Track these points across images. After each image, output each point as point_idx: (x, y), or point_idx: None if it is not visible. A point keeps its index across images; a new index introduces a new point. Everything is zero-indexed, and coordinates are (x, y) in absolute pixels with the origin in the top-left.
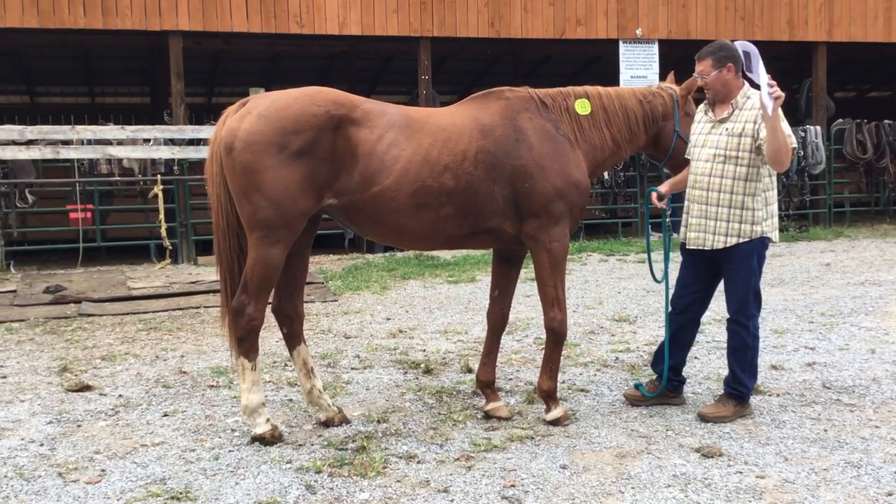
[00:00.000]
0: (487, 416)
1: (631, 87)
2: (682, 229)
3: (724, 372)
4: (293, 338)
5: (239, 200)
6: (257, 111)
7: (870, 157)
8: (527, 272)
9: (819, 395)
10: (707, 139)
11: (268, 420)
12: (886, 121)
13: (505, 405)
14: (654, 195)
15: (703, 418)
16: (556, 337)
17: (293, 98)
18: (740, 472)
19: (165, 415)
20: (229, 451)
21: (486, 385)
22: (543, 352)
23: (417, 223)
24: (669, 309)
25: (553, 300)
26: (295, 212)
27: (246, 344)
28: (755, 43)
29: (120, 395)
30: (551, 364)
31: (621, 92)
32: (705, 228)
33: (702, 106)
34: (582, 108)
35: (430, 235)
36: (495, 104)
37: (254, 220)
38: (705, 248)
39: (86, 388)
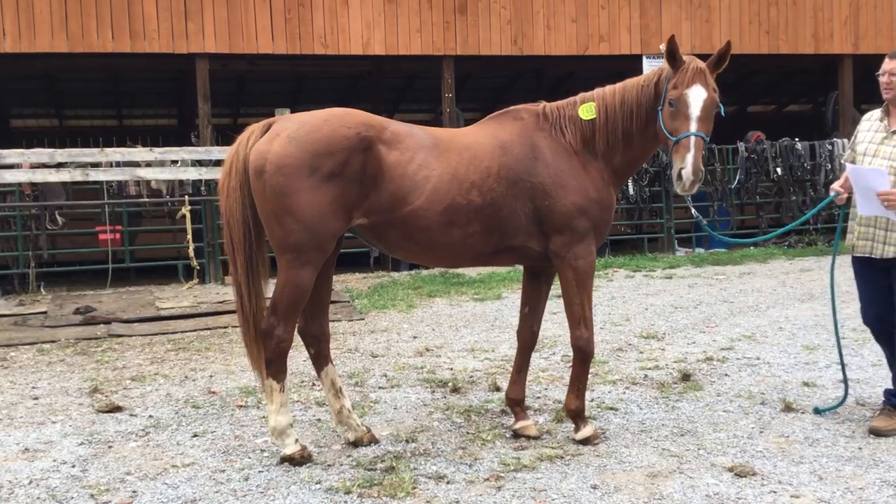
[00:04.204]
0: (516, 434)
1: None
2: (850, 236)
3: (755, 389)
4: (321, 358)
5: (269, 224)
6: (286, 133)
7: None
8: (554, 289)
9: (853, 412)
10: (879, 149)
11: (297, 440)
12: None
13: (534, 424)
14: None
15: (877, 432)
16: (582, 355)
17: (322, 120)
18: (774, 492)
19: (195, 435)
20: (259, 471)
21: (516, 403)
22: (570, 370)
23: (447, 240)
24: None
25: (580, 318)
26: (326, 234)
27: (274, 366)
28: (780, 56)
29: (150, 416)
30: (578, 383)
31: (626, 84)
32: (874, 237)
33: (876, 112)
34: (586, 113)
35: (458, 252)
36: (511, 123)
37: (285, 244)
38: (874, 256)
39: (116, 408)
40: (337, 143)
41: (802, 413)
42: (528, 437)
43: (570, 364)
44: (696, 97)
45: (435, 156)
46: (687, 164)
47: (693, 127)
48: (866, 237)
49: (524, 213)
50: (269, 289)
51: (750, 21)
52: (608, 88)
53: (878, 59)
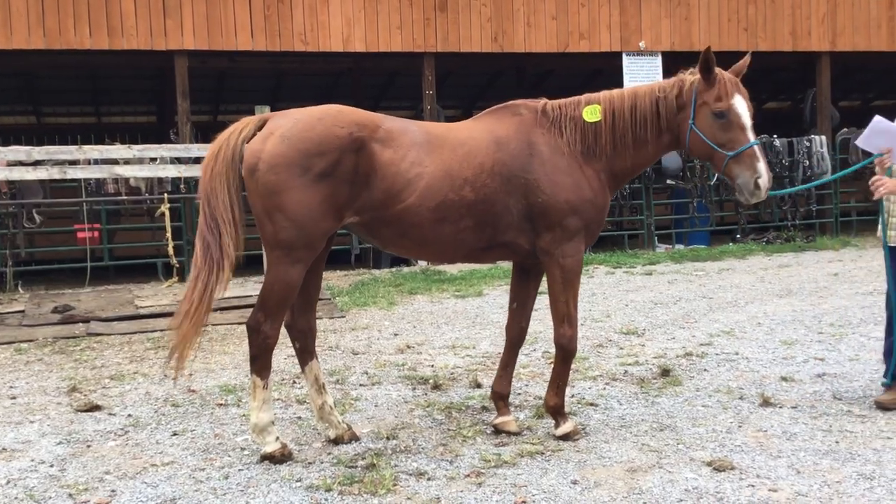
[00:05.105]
0: (497, 430)
1: (658, 81)
2: (891, 233)
3: (734, 384)
4: (306, 353)
5: (261, 221)
6: (279, 132)
7: None
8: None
9: (830, 406)
10: None
11: (277, 438)
12: None
13: (514, 420)
14: None
15: (882, 406)
16: (565, 353)
17: (316, 119)
18: (752, 486)
19: (175, 434)
20: (239, 469)
21: (500, 397)
22: (552, 367)
23: (438, 236)
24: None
25: (564, 316)
26: (317, 232)
27: (259, 362)
28: (758, 54)
29: (129, 415)
30: (559, 380)
31: (638, 91)
32: None
33: None
34: (590, 115)
35: (450, 248)
36: (509, 119)
37: (275, 240)
38: None
39: (95, 407)
40: (329, 142)
41: (780, 408)
42: (509, 433)
43: (552, 361)
44: (744, 107)
45: (428, 152)
46: (762, 174)
47: (752, 136)
48: None
49: (517, 210)
50: (250, 287)
51: (729, 19)
52: (616, 92)
53: (855, 57)
